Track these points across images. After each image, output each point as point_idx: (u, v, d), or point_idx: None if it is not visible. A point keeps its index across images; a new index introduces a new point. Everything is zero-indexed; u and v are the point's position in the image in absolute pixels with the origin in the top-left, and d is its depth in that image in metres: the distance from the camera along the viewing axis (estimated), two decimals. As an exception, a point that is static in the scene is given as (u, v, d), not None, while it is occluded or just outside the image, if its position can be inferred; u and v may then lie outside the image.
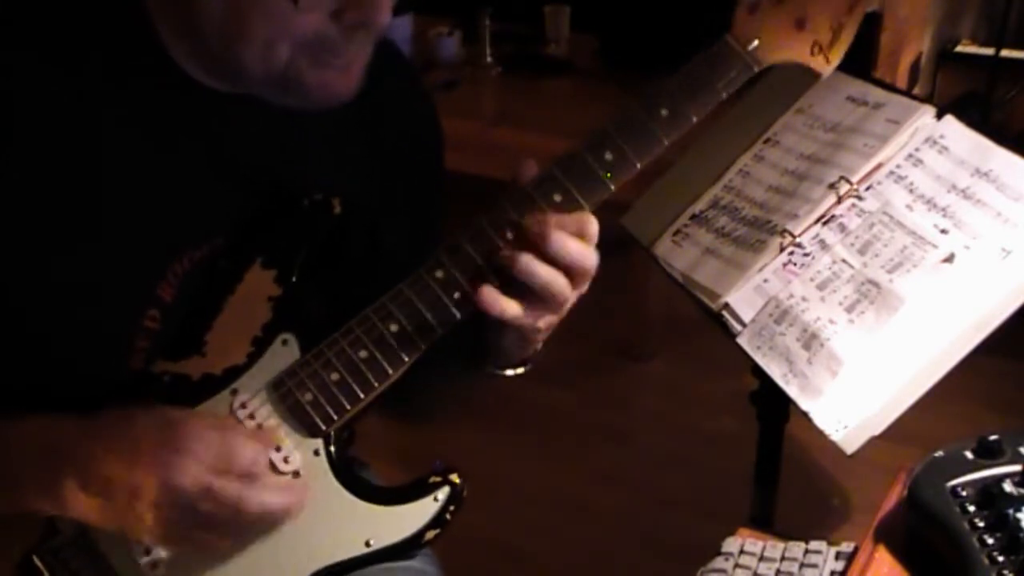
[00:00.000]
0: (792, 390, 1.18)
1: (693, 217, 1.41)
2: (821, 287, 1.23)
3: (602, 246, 0.93)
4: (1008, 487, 0.88)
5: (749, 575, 0.97)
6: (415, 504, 1.00)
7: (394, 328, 0.95)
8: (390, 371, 0.96)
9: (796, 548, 0.99)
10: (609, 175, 0.94)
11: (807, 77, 1.00)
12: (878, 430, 1.12)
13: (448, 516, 1.00)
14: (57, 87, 0.91)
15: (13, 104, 0.90)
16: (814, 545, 0.99)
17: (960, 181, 1.22)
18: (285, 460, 0.97)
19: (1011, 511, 0.86)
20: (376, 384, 0.96)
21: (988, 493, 0.88)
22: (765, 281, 1.27)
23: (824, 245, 1.26)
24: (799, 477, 2.19)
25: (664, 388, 2.88)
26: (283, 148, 1.01)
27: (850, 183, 1.28)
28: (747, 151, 1.44)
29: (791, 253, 1.28)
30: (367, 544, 0.99)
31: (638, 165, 0.94)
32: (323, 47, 0.90)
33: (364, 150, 1.06)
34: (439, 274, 0.94)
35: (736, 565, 0.98)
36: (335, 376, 0.96)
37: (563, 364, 2.75)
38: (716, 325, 1.29)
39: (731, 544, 1.01)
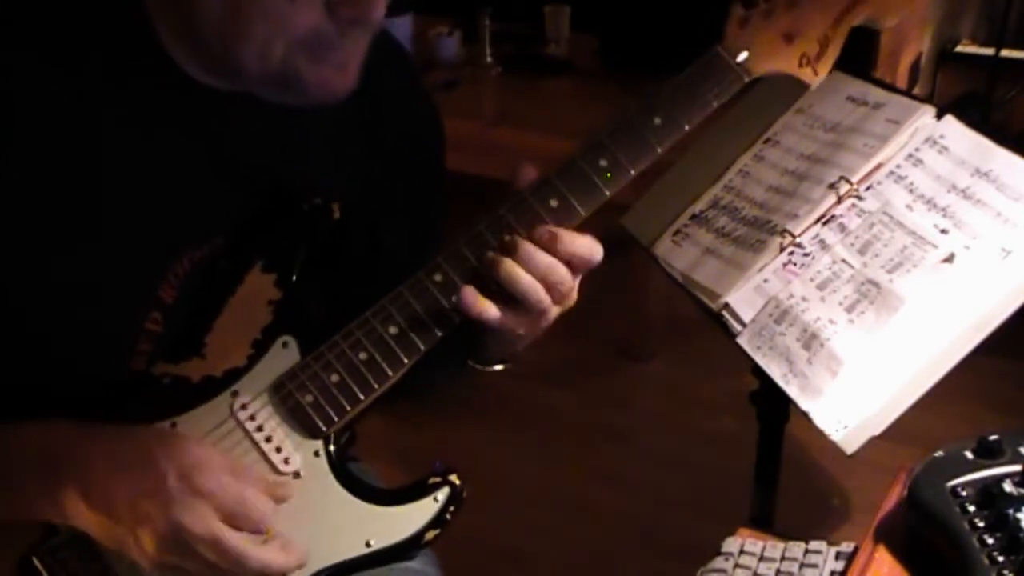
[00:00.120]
0: (792, 390, 1.18)
1: (693, 217, 1.41)
2: (821, 287, 1.23)
3: (602, 246, 0.94)
4: (1008, 487, 0.88)
5: (749, 575, 0.97)
6: (415, 505, 1.00)
7: (393, 330, 0.96)
8: (390, 373, 0.97)
9: (796, 548, 0.99)
10: (605, 180, 0.96)
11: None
12: (878, 430, 1.12)
13: (448, 516, 1.00)
14: (57, 87, 0.91)
15: (13, 104, 0.90)
16: (814, 545, 0.99)
17: (960, 181, 1.22)
18: (286, 461, 0.97)
19: (1011, 511, 0.86)
20: (376, 386, 0.97)
21: (988, 493, 0.88)
22: (765, 281, 1.27)
23: (824, 245, 1.26)
24: (799, 477, 2.19)
25: (664, 388, 2.87)
26: (283, 147, 1.01)
27: (850, 183, 1.28)
28: (747, 151, 1.44)
29: (791, 253, 1.27)
30: (367, 545, 0.99)
31: (632, 172, 0.97)
32: (319, 43, 0.90)
33: (364, 149, 1.06)
34: (438, 277, 0.95)
35: (736, 565, 0.98)
36: (335, 378, 0.97)
37: (563, 364, 2.76)
38: (716, 325, 1.29)
39: (731, 544, 1.01)
